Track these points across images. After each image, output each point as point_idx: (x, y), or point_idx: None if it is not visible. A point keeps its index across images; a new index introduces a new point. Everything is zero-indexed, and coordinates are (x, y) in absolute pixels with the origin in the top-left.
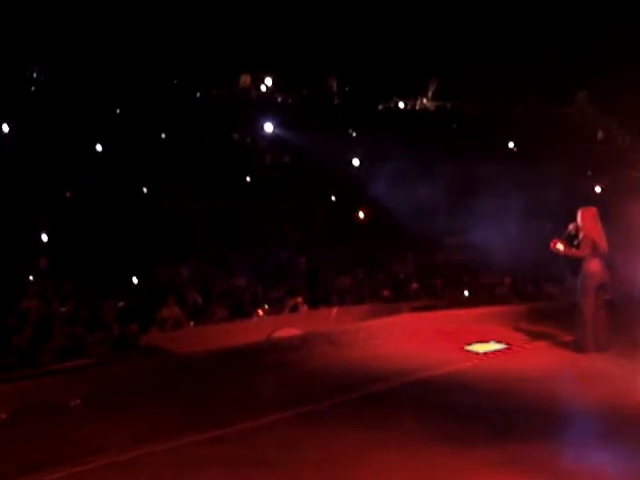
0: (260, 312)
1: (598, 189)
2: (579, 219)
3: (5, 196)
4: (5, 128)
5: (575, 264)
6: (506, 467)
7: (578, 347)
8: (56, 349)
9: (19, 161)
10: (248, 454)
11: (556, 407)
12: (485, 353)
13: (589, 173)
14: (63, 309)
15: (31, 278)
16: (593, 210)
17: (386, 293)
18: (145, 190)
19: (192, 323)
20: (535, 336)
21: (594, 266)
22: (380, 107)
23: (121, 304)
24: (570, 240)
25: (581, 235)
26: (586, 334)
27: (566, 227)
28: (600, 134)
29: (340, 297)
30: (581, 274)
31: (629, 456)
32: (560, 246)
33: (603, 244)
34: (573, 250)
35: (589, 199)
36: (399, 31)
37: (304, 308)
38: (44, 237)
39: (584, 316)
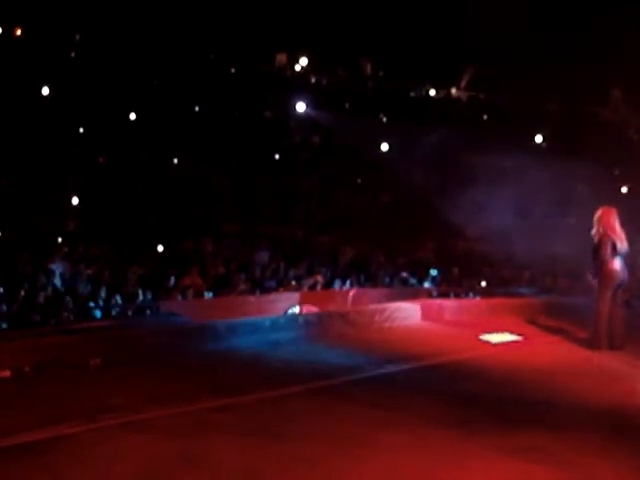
0: (280, 288)
1: (624, 189)
2: (597, 218)
3: (40, 158)
4: (45, 91)
5: (596, 264)
6: (512, 455)
7: (592, 344)
8: (79, 309)
9: (55, 124)
10: (258, 424)
11: (565, 401)
12: (499, 343)
13: (616, 172)
14: (89, 271)
15: (60, 240)
16: (612, 210)
17: (404, 276)
18: (176, 161)
19: (213, 294)
20: (550, 330)
21: (614, 265)
22: (412, 94)
23: (145, 270)
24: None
25: (599, 234)
26: (601, 332)
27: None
28: (631, 133)
29: (359, 278)
30: (601, 272)
31: (630, 453)
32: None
33: (622, 243)
34: (597, 262)
35: (614, 198)
36: (436, 20)
37: (323, 287)
38: (75, 200)
39: (600, 314)
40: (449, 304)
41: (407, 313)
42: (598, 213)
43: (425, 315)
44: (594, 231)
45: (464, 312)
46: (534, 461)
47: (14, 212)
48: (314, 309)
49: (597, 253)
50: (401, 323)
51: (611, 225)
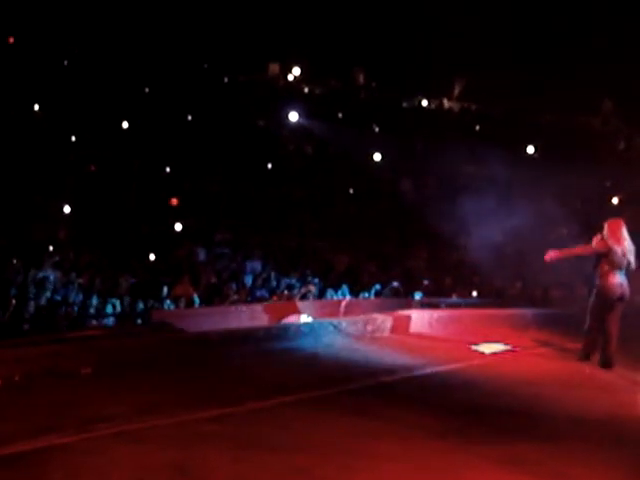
0: (272, 297)
1: (615, 200)
2: (605, 231)
3: (31, 167)
4: (37, 99)
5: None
6: (506, 466)
7: (584, 355)
8: (70, 318)
9: (47, 132)
10: (250, 434)
11: (558, 412)
12: (491, 353)
13: (607, 184)
14: (80, 280)
15: (51, 248)
16: (619, 221)
17: (395, 285)
18: (168, 169)
19: (204, 304)
20: (542, 341)
21: (613, 279)
22: (405, 104)
23: (136, 279)
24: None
25: (603, 247)
26: (590, 344)
27: (588, 237)
28: (622, 144)
29: (352, 288)
30: (599, 285)
31: (624, 464)
32: (553, 253)
33: (627, 257)
34: (575, 249)
35: (606, 209)
36: (429, 31)
37: (315, 296)
38: (67, 209)
39: (591, 324)
40: (441, 314)
41: (399, 323)
42: (605, 226)
43: (417, 325)
44: (596, 242)
45: (456, 322)
46: (527, 472)
47: (5, 220)
48: (306, 319)
49: (596, 266)
50: (393, 333)
51: (617, 238)
